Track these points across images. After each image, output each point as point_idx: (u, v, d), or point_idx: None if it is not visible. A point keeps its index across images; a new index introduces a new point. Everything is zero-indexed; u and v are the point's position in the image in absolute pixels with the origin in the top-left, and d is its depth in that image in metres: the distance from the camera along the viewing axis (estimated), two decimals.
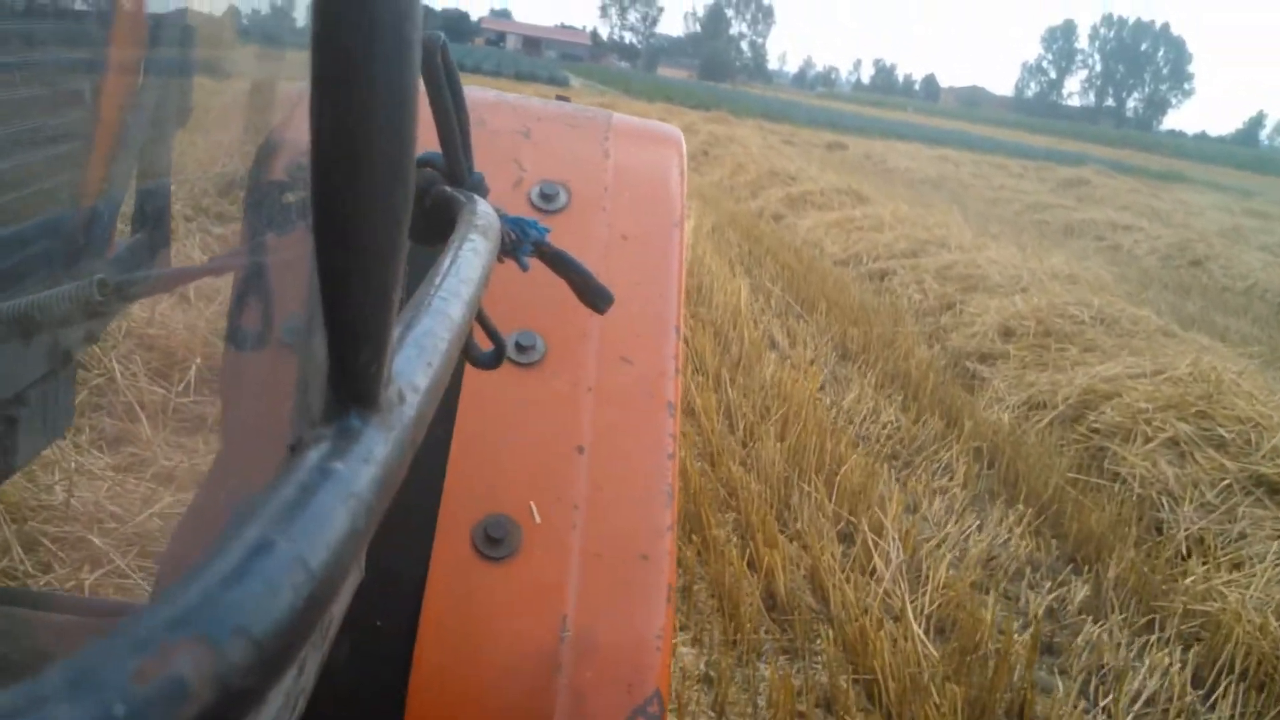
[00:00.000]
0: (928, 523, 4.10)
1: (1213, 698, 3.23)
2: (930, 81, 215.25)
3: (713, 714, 2.84)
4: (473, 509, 1.02)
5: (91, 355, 3.39)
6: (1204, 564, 3.97)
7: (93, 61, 1.26)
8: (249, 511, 0.28)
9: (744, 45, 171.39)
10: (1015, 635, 3.25)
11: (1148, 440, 4.84)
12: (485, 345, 0.89)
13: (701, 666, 3.01)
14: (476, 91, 1.34)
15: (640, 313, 1.18)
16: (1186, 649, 3.43)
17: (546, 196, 1.24)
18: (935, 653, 3.10)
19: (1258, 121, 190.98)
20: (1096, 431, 5.12)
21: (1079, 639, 3.44)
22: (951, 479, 4.60)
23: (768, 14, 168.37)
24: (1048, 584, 3.81)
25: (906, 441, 4.99)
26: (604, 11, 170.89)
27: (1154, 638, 3.49)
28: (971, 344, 6.62)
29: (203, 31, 1.42)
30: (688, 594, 3.29)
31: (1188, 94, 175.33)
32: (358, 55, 0.30)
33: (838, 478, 4.19)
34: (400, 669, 0.95)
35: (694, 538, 3.54)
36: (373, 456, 0.33)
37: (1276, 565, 3.87)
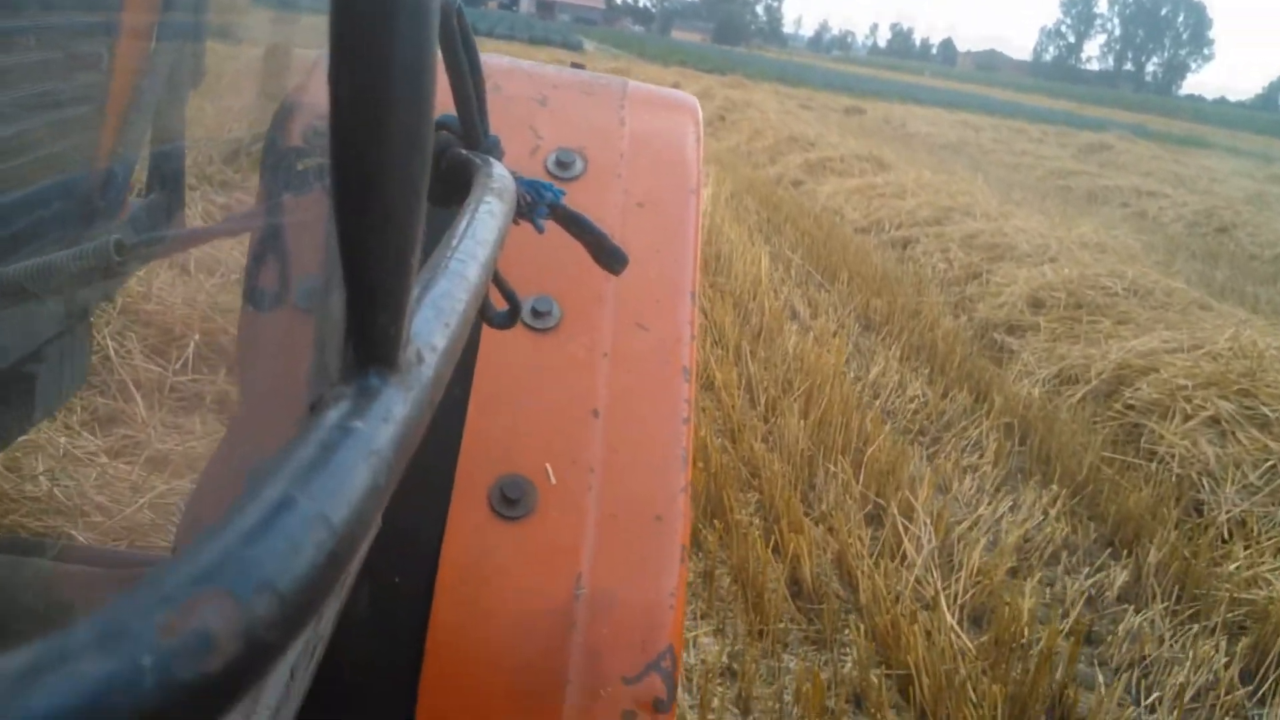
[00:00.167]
0: (958, 503, 3.93)
1: (1260, 692, 3.07)
2: (948, 45, 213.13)
3: (736, 711, 2.69)
4: (489, 469, 1.03)
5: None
6: (1247, 548, 3.79)
7: (107, 24, 1.29)
8: (270, 470, 0.28)
9: (759, 9, 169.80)
10: (1054, 625, 3.08)
11: (1187, 418, 4.64)
12: (500, 306, 0.89)
13: (724, 659, 2.86)
14: (492, 58, 1.33)
15: (656, 279, 1.18)
16: (1233, 640, 3.26)
17: (563, 164, 1.23)
18: (970, 645, 2.94)
19: (1279, 86, 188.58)
20: (1132, 408, 4.93)
21: (1120, 629, 3.27)
22: (981, 456, 4.42)
23: None
24: (1085, 569, 3.64)
25: (934, 417, 4.82)
26: None
27: (1198, 627, 3.33)
28: (999, 315, 6.41)
29: None
30: (709, 580, 3.13)
31: (1207, 58, 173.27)
32: (376, 19, 0.30)
33: (865, 457, 4.02)
34: (417, 625, 0.96)
35: (716, 522, 3.38)
36: (392, 415, 0.33)
37: None
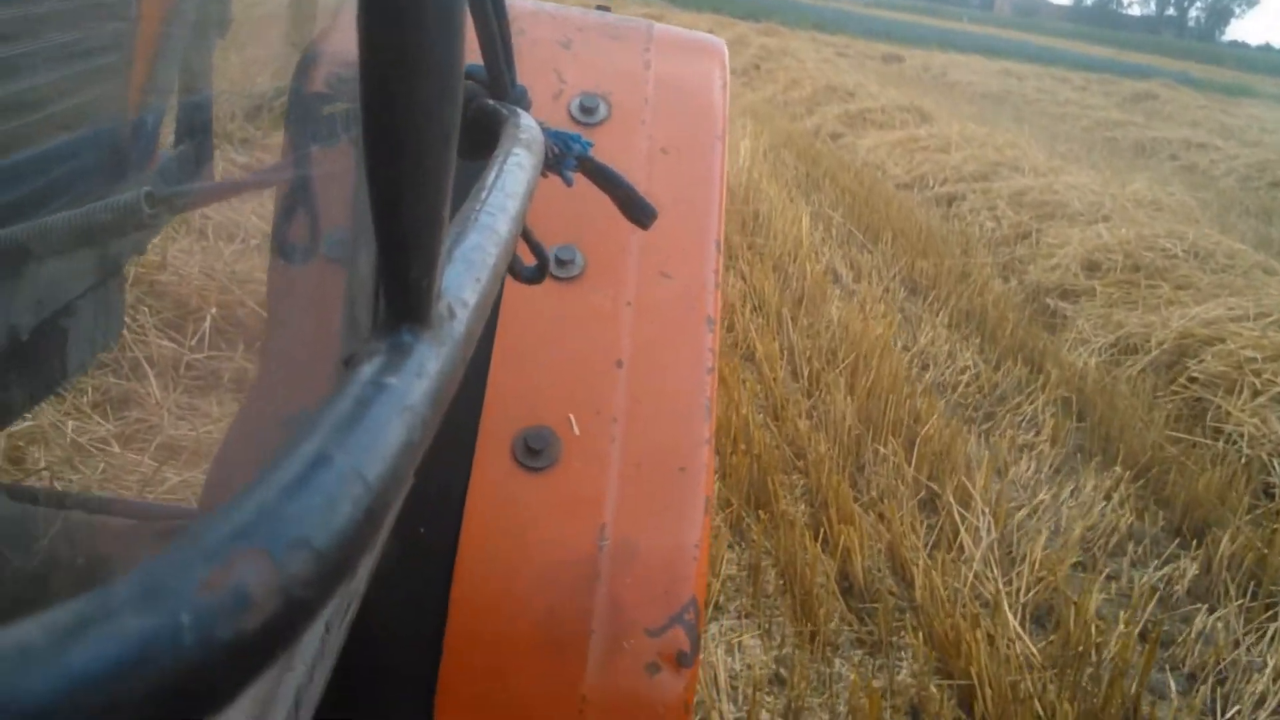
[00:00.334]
0: (1016, 487, 3.71)
1: None
2: None
3: None
4: (513, 420, 1.02)
5: None
6: None
7: None
8: (306, 426, 0.27)
9: None
10: (1123, 627, 2.88)
11: (1256, 394, 4.39)
12: (528, 260, 0.89)
13: (771, 664, 2.67)
14: (516, 1, 1.29)
15: (680, 227, 1.16)
16: None
17: (586, 109, 1.21)
18: (1036, 652, 2.74)
19: None
20: (1195, 381, 4.68)
21: (1192, 630, 3.06)
22: (1038, 434, 4.20)
23: None
24: (1153, 562, 3.43)
25: (987, 390, 4.59)
26: None
27: (1275, 629, 3.11)
28: (1052, 278, 6.13)
29: None
30: (755, 575, 2.94)
31: (1252, 3, 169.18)
32: None
33: (916, 436, 3.80)
34: (443, 575, 0.96)
35: (761, 513, 3.18)
36: (425, 370, 0.33)
37: None
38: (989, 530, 3.26)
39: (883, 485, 3.51)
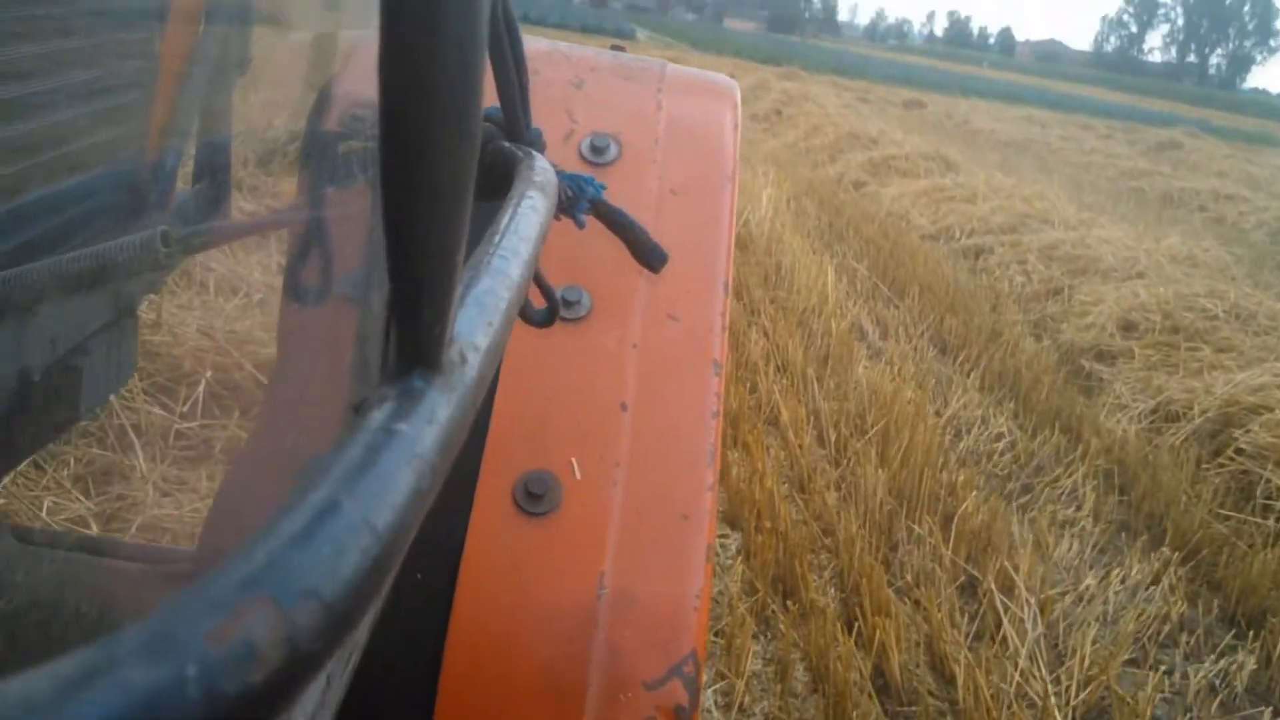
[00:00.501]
0: (1059, 569, 3.48)
1: None
2: (1006, 35, 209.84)
3: None
4: (514, 464, 1.01)
5: None
6: None
7: (158, 8, 1.28)
8: (315, 472, 0.27)
9: None
10: None
11: None
12: (538, 303, 0.89)
13: None
14: (530, 41, 1.25)
15: (688, 269, 1.14)
16: None
17: (597, 149, 1.20)
18: None
19: None
20: (1243, 453, 4.43)
21: None
22: (1079, 509, 3.97)
23: None
24: (1208, 656, 3.18)
25: (1023, 460, 4.36)
26: None
27: None
28: (1087, 338, 5.90)
29: None
30: (784, 673, 2.71)
31: (1273, 50, 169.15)
32: (427, 7, 0.29)
33: (954, 513, 3.58)
34: (439, 621, 0.93)
35: (789, 603, 2.96)
36: (436, 417, 0.32)
37: None
38: (1034, 621, 3.03)
39: (918, 568, 3.28)
